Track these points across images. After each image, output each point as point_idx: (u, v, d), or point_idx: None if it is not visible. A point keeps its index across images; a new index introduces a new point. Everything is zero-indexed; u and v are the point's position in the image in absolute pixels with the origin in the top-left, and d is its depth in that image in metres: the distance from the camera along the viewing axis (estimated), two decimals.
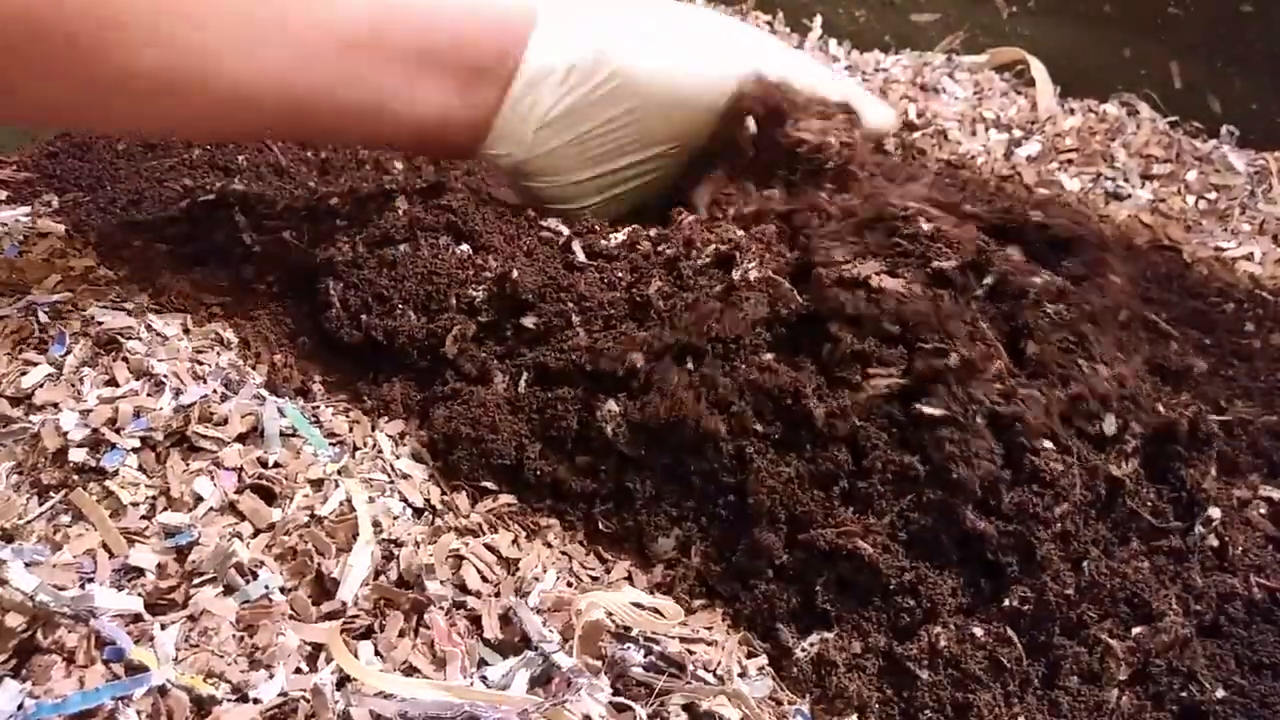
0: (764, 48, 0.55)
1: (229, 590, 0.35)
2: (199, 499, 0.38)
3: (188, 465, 0.40)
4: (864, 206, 0.48)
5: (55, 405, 0.41)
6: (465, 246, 0.50)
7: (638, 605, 0.37)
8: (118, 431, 0.40)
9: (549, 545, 0.42)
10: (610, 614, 0.36)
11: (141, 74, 0.40)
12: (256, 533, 0.38)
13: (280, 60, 0.42)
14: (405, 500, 0.42)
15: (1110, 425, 0.40)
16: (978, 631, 0.38)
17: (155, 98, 0.42)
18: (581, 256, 0.49)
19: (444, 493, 0.43)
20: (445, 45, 0.45)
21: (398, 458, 0.44)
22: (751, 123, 0.54)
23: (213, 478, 0.39)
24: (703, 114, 0.52)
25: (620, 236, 0.50)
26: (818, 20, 1.05)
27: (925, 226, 0.44)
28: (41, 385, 0.42)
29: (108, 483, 0.38)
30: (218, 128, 0.50)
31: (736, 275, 0.44)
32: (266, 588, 0.35)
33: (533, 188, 0.54)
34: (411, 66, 0.45)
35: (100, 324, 0.45)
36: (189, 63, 0.41)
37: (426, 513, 0.42)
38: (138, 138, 0.66)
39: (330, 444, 0.43)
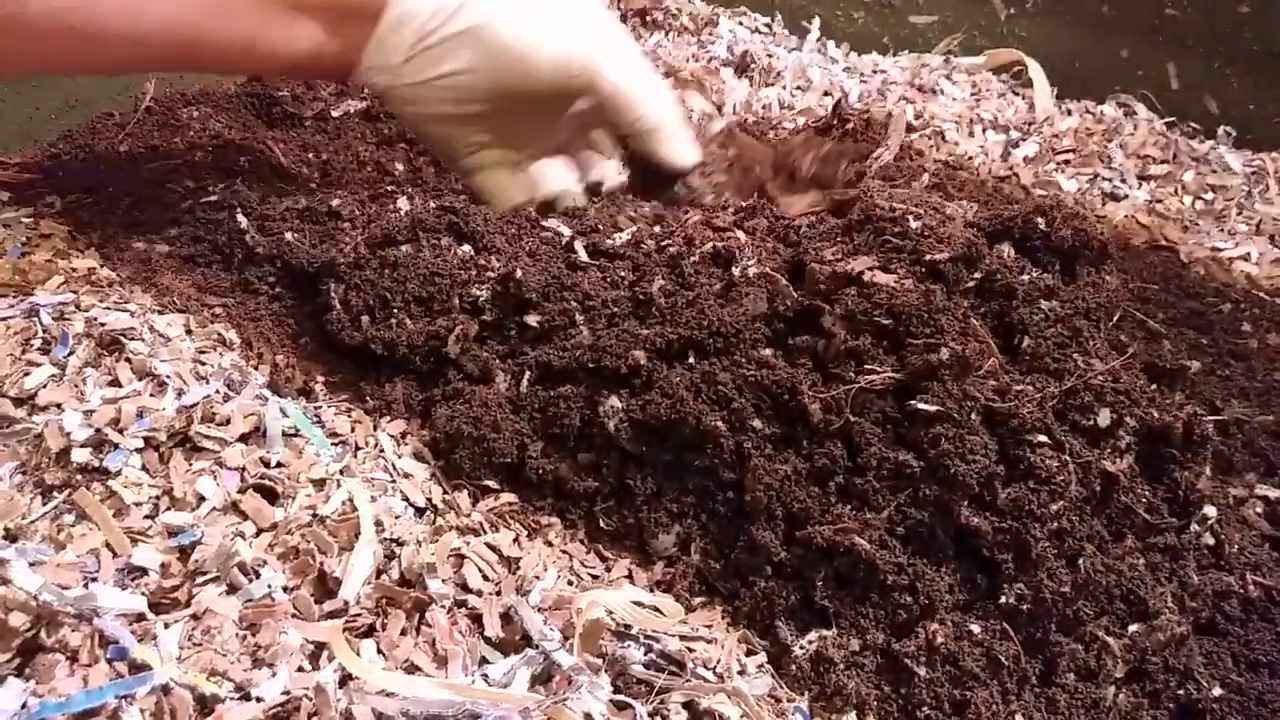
0: (613, 36, 0.58)
1: (232, 589, 0.35)
2: (202, 499, 0.39)
3: (190, 465, 0.40)
4: (854, 207, 0.48)
5: (58, 406, 0.41)
6: (467, 247, 0.50)
7: (638, 603, 0.37)
8: (121, 432, 0.40)
9: (550, 544, 0.42)
10: (611, 612, 0.36)
11: (47, 19, 0.46)
12: (259, 532, 0.38)
13: (168, 7, 0.48)
14: (407, 499, 0.42)
15: (1104, 418, 0.40)
16: (975, 628, 0.38)
17: (58, 39, 0.47)
18: (584, 256, 0.49)
19: (445, 492, 0.43)
20: None
21: (400, 457, 0.44)
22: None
23: (215, 477, 0.39)
24: (538, 83, 0.54)
25: (625, 236, 0.50)
26: (816, 22, 1.05)
27: (914, 225, 0.44)
28: (45, 386, 0.42)
29: (111, 483, 0.38)
30: (116, 63, 0.54)
31: (736, 272, 0.45)
32: (269, 587, 0.35)
33: (404, 111, 0.57)
34: (286, 10, 0.50)
35: (103, 325, 0.45)
36: (91, 11, 0.46)
37: (428, 512, 0.42)
38: (45, 72, 0.68)
39: (332, 444, 0.43)
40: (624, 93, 0.55)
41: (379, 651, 0.35)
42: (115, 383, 0.43)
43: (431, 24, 0.52)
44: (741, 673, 0.37)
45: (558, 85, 0.55)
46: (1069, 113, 0.92)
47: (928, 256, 0.43)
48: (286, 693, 0.32)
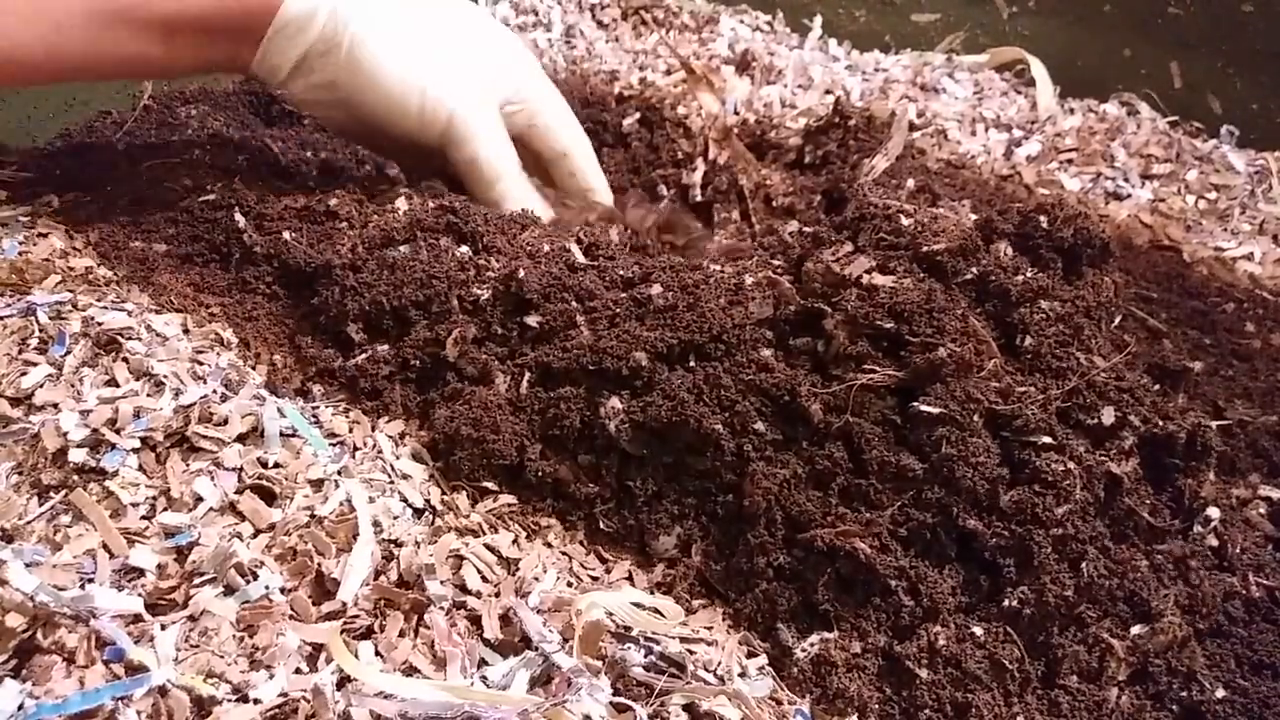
0: (507, 69, 0.59)
1: (229, 590, 0.35)
2: (199, 499, 0.38)
3: (188, 465, 0.40)
4: (850, 205, 0.48)
5: (55, 405, 0.41)
6: (465, 248, 0.50)
7: (638, 605, 0.37)
8: (118, 432, 0.40)
9: (549, 545, 0.42)
10: (610, 614, 0.36)
11: None
12: (256, 533, 0.38)
13: (46, 32, 0.48)
14: (405, 500, 0.42)
15: (1108, 417, 0.40)
16: (977, 631, 0.38)
17: None
18: (582, 257, 0.49)
19: (444, 493, 0.43)
20: (194, 15, 0.51)
21: (398, 458, 0.44)
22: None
23: (213, 478, 0.39)
24: (405, 131, 0.56)
25: (615, 238, 0.50)
26: (818, 20, 1.05)
27: (906, 222, 0.44)
28: (41, 385, 0.42)
29: (108, 483, 0.38)
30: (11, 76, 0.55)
31: (739, 274, 0.45)
32: (267, 588, 0.35)
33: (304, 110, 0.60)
34: (166, 33, 0.51)
35: (100, 324, 0.45)
36: None
37: (427, 513, 0.42)
38: None
39: (330, 444, 0.43)
40: (484, 165, 0.56)
41: (377, 653, 0.34)
42: (112, 382, 0.42)
43: (318, 47, 0.53)
44: (742, 675, 0.37)
45: (425, 138, 0.56)
46: (1071, 111, 0.92)
47: (924, 249, 0.43)
48: (284, 695, 0.32)
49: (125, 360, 0.43)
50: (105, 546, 0.36)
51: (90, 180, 0.62)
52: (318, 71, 0.54)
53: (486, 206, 0.56)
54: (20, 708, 0.30)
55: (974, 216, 0.46)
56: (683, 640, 0.37)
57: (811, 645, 0.38)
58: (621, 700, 0.33)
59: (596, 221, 0.56)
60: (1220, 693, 0.40)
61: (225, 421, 0.42)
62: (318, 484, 0.40)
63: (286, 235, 0.53)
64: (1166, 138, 0.87)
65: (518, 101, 0.60)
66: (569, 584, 0.40)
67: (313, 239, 0.53)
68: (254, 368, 0.47)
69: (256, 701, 0.31)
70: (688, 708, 0.34)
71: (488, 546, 0.40)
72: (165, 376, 0.43)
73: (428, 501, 0.42)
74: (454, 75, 0.56)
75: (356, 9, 0.53)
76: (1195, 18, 0.90)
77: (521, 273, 0.46)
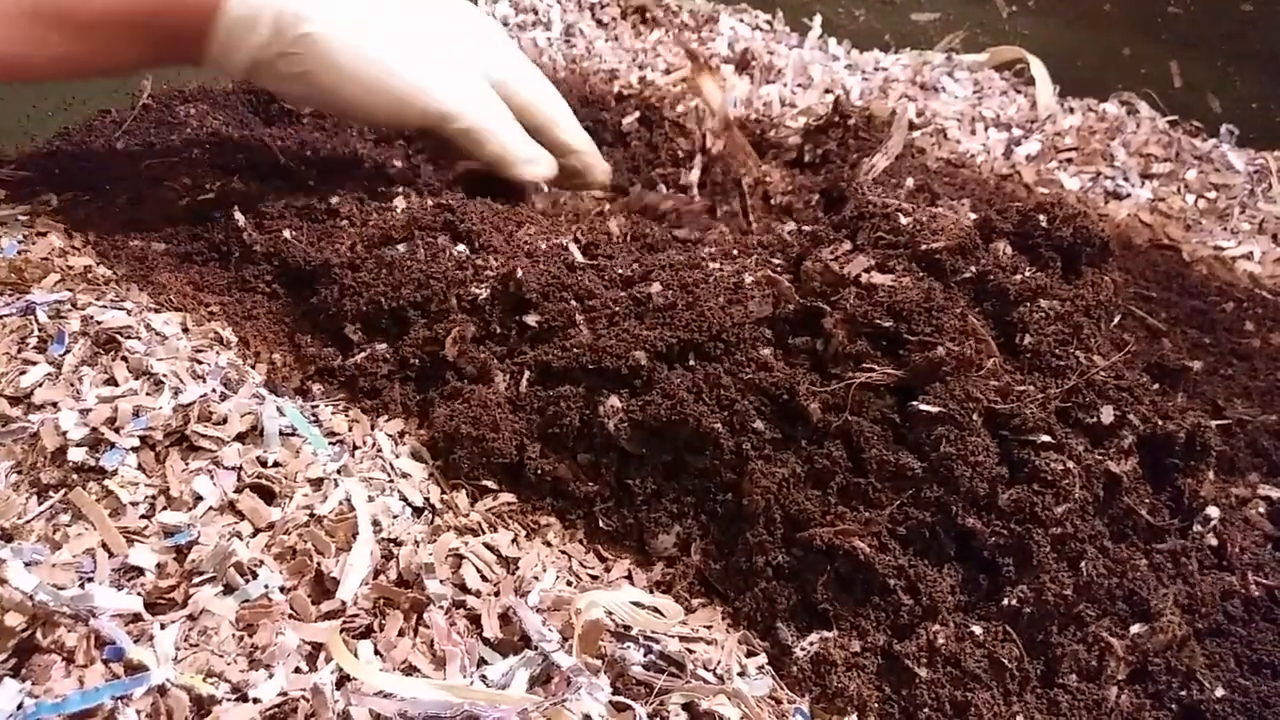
0: (482, 52, 0.58)
1: (228, 589, 0.35)
2: (198, 498, 0.38)
3: (187, 464, 0.40)
4: (848, 204, 0.48)
5: (54, 404, 0.41)
6: (462, 247, 0.50)
7: (637, 604, 0.37)
8: (117, 431, 0.40)
9: (549, 544, 0.42)
10: (610, 613, 0.36)
11: None
12: (256, 532, 0.38)
13: None
14: (405, 499, 0.42)
15: (1108, 415, 0.40)
16: (977, 630, 0.38)
17: None
18: (580, 256, 0.49)
19: (444, 492, 0.43)
20: (141, 15, 0.49)
21: (397, 456, 0.44)
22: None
23: (212, 477, 0.39)
24: (375, 121, 0.56)
25: (615, 230, 0.50)
26: (817, 19, 1.05)
27: (905, 221, 0.44)
28: (41, 384, 0.42)
29: (107, 482, 0.38)
30: None
31: (739, 272, 0.45)
32: (266, 587, 0.35)
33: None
34: (108, 35, 0.49)
35: (99, 323, 0.45)
36: None
37: (426, 512, 0.42)
38: None
39: (330, 443, 0.43)
40: (475, 132, 0.56)
41: (376, 652, 0.34)
42: (111, 381, 0.42)
43: (270, 50, 0.51)
44: (742, 674, 0.37)
45: (398, 124, 0.55)
46: (1071, 111, 0.91)
47: (923, 248, 0.43)
48: (283, 694, 0.32)
49: (124, 359, 0.43)
50: (104, 545, 0.36)
51: (89, 179, 0.62)
52: (278, 70, 0.52)
53: (493, 170, 0.56)
54: (20, 707, 0.30)
55: (973, 215, 0.46)
56: (682, 639, 0.37)
57: (811, 644, 0.38)
58: (621, 699, 0.33)
59: (600, 215, 0.55)
60: (1219, 692, 0.40)
61: (224, 420, 0.42)
62: (317, 483, 0.40)
63: (286, 234, 0.53)
64: (1166, 137, 0.87)
65: (494, 79, 0.59)
66: (568, 583, 0.40)
67: (313, 237, 0.53)
68: (253, 366, 0.47)
69: (256, 701, 0.31)
70: (687, 707, 0.34)
71: (487, 545, 0.40)
72: (164, 375, 0.43)
73: (427, 500, 0.42)
74: (426, 52, 0.54)
75: (307, 7, 0.51)
76: (1195, 18, 0.90)
77: (520, 272, 0.46)
